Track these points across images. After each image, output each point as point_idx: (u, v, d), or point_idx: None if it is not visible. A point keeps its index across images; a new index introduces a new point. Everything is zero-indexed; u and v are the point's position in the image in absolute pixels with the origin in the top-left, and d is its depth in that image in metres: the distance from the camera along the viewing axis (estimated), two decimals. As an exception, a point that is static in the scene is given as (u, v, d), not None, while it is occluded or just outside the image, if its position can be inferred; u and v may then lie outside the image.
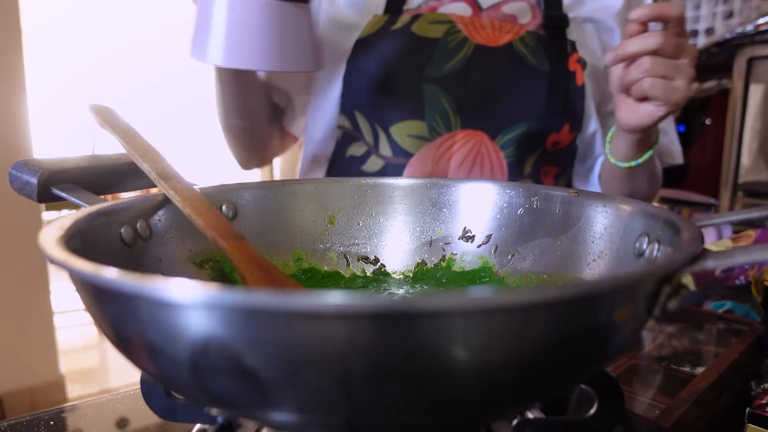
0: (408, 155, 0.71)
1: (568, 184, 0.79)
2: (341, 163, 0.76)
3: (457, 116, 0.70)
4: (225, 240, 0.38)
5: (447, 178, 0.58)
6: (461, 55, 0.70)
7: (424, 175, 0.70)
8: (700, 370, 0.49)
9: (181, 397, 0.36)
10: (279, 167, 3.19)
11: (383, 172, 0.72)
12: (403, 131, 0.71)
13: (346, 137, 0.76)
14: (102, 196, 0.41)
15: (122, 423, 0.43)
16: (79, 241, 0.31)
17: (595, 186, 0.78)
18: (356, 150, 0.75)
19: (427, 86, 0.70)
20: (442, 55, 0.69)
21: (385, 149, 0.72)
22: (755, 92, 1.84)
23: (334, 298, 0.19)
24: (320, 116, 0.77)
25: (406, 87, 0.70)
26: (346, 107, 0.74)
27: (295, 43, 0.57)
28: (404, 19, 0.71)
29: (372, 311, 0.19)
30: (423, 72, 0.70)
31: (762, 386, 0.47)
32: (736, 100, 1.74)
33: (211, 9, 0.55)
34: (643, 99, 0.56)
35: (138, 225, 0.39)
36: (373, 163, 0.73)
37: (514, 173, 0.72)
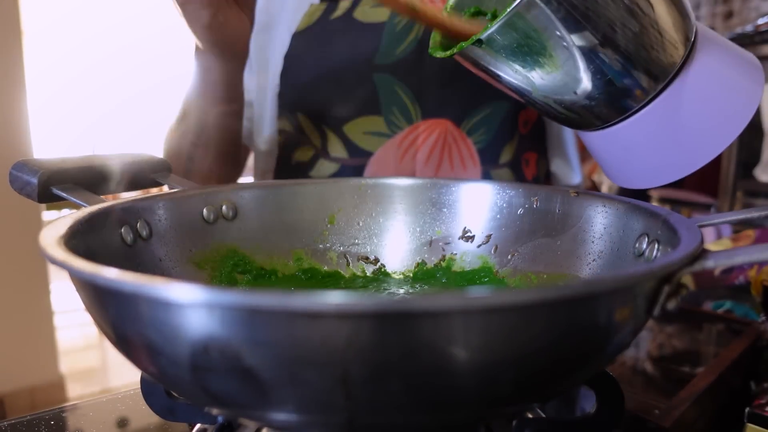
0: (367, 155, 0.65)
1: (547, 172, 0.75)
2: (287, 172, 0.70)
3: (417, 106, 0.64)
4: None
5: (447, 178, 0.57)
6: (412, 36, 0.63)
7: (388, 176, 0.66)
8: (700, 370, 0.49)
9: (181, 397, 0.36)
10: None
11: (338, 176, 0.66)
12: (358, 129, 0.65)
13: (288, 142, 0.70)
14: (102, 196, 0.41)
15: (122, 423, 0.43)
16: (79, 241, 0.31)
17: (573, 163, 0.74)
18: (302, 155, 0.69)
19: (379, 76, 0.63)
20: (391, 39, 0.63)
21: (338, 151, 0.66)
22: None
23: (334, 298, 0.19)
24: (259, 122, 0.70)
25: (355, 80, 0.63)
26: (286, 108, 0.67)
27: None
28: (344, 5, 0.64)
29: (372, 311, 0.19)
30: (372, 61, 0.63)
31: (762, 386, 0.47)
32: (736, 100, 1.73)
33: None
34: None
35: (138, 225, 0.39)
36: (324, 168, 0.67)
37: (488, 160, 0.66)
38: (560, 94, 0.38)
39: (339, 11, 0.64)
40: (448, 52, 0.40)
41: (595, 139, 0.43)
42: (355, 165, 0.66)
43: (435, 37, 0.43)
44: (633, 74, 0.37)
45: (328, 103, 0.65)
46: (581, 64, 0.36)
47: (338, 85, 0.64)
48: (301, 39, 0.65)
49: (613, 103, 0.38)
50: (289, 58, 0.66)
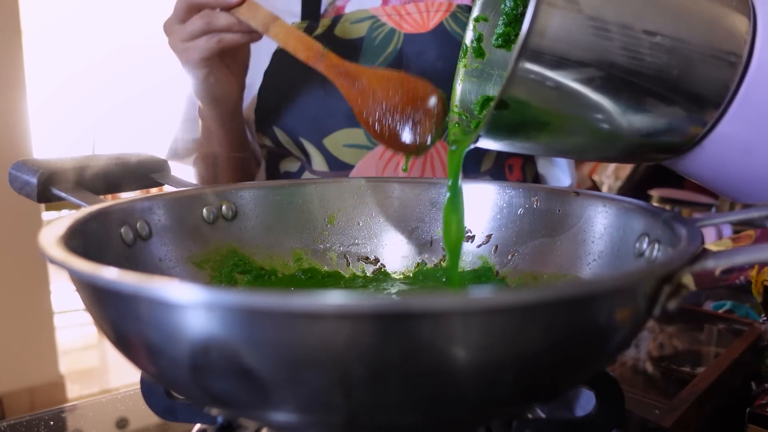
0: (347, 167, 0.65)
1: (535, 175, 0.75)
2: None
3: None
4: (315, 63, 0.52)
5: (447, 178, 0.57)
6: (390, 48, 0.64)
7: None
8: (700, 370, 0.49)
9: (181, 397, 0.36)
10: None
11: None
12: (338, 141, 0.65)
13: (272, 155, 0.71)
14: (102, 196, 0.41)
15: (122, 423, 0.43)
16: (79, 241, 0.31)
17: (561, 163, 0.74)
18: (290, 165, 0.70)
19: None
20: (370, 52, 0.64)
21: (319, 164, 0.66)
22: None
23: (334, 298, 0.19)
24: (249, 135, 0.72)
25: (335, 93, 0.62)
26: (264, 124, 0.68)
27: None
28: (325, 23, 0.66)
29: (372, 311, 0.19)
30: None
31: (762, 386, 0.47)
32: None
33: None
34: None
35: (138, 225, 0.39)
36: None
37: (469, 170, 0.66)
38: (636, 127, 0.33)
39: (320, 29, 0.66)
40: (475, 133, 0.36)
41: (699, 157, 0.36)
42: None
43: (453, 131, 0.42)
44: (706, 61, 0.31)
45: (306, 117, 0.65)
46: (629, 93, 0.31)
47: (317, 98, 0.65)
48: (281, 55, 0.66)
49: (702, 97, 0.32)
50: (268, 73, 0.67)
